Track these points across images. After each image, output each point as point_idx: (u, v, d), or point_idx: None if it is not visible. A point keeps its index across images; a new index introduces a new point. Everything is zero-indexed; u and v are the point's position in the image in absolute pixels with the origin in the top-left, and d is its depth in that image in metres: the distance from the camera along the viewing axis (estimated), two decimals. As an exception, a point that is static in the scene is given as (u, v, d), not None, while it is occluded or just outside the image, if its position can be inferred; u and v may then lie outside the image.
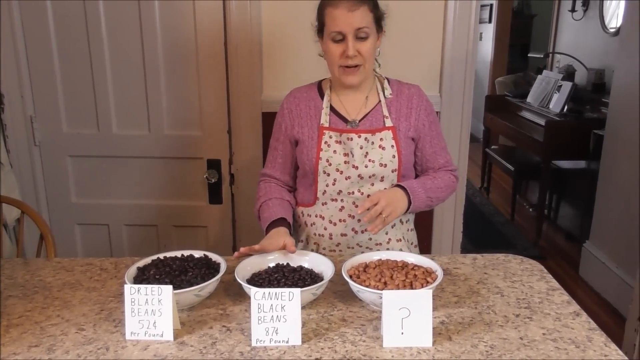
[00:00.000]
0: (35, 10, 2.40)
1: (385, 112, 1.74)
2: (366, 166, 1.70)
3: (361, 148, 1.70)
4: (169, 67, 2.45)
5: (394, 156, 1.70)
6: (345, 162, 1.71)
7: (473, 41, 2.43)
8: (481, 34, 7.67)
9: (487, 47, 7.57)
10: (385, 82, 1.79)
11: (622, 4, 4.40)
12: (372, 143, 1.70)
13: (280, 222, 1.70)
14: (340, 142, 1.71)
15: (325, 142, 1.71)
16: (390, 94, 1.77)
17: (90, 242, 2.69)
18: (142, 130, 2.53)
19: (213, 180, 2.52)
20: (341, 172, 1.71)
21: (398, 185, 1.70)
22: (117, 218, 2.64)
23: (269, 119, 2.43)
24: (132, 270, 1.46)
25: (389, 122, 1.73)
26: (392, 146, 1.70)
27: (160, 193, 2.60)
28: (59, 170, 2.60)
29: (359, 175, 1.70)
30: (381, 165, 1.70)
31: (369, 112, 1.75)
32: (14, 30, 2.42)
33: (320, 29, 1.70)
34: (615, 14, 4.89)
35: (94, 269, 1.66)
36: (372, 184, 1.72)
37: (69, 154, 2.58)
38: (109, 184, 2.60)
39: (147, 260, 1.52)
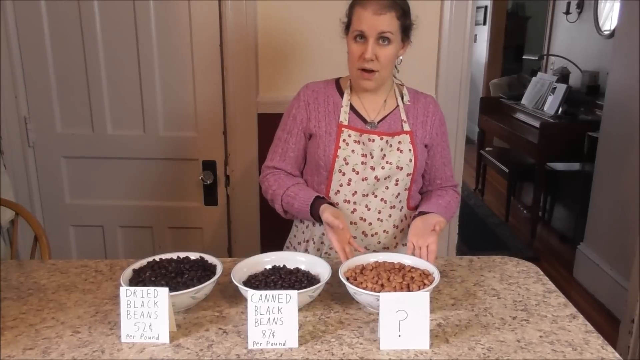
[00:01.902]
0: (29, 10, 2.38)
1: (404, 117, 1.75)
2: (383, 167, 1.70)
3: (381, 150, 1.70)
4: (164, 67, 2.44)
5: (410, 160, 1.71)
6: (362, 163, 1.70)
7: (469, 43, 2.43)
8: (475, 35, 7.67)
9: (481, 48, 7.60)
10: (404, 89, 1.81)
11: (617, 6, 4.42)
12: (391, 145, 1.71)
13: (324, 200, 1.68)
14: (359, 142, 1.71)
15: (344, 140, 1.70)
16: (408, 100, 1.78)
17: (84, 243, 2.68)
18: (137, 131, 2.52)
19: (208, 182, 2.51)
20: (357, 173, 1.70)
21: (420, 213, 1.71)
22: (111, 219, 2.63)
23: (265, 121, 2.43)
24: (127, 272, 1.45)
25: (407, 127, 1.74)
26: (410, 150, 1.72)
27: (156, 194, 2.59)
28: (53, 171, 2.58)
29: (375, 177, 1.70)
30: (398, 167, 1.70)
31: (387, 115, 1.75)
32: (8, 30, 2.40)
33: (347, 26, 1.69)
34: (609, 16, 4.92)
35: (89, 271, 1.65)
36: (387, 187, 1.72)
37: (63, 154, 2.56)
38: (104, 185, 2.59)
39: (143, 262, 1.51)
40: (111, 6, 2.37)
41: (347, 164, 1.70)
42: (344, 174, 1.71)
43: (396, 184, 1.73)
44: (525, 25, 7.68)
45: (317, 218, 1.65)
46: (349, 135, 1.71)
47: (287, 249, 1.91)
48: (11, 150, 2.50)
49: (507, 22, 7.37)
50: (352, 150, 1.70)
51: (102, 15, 2.39)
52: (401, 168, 1.71)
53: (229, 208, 2.58)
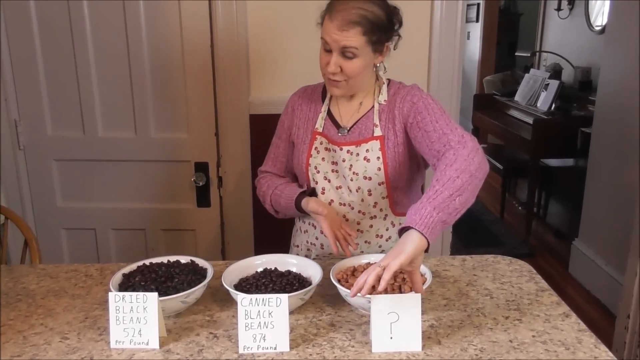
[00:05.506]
0: (18, 11, 2.36)
1: (376, 120, 1.63)
2: (351, 179, 1.63)
3: (344, 161, 1.64)
4: (155, 68, 2.42)
5: (379, 168, 1.61)
6: (333, 171, 1.67)
7: (460, 40, 2.42)
8: (469, 32, 7.69)
9: (474, 45, 7.60)
10: (384, 86, 1.66)
11: (607, 2, 4.42)
12: (357, 155, 1.62)
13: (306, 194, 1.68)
14: (329, 150, 1.67)
15: (315, 148, 1.68)
16: (384, 100, 1.65)
17: (76, 246, 2.66)
18: (128, 133, 2.50)
19: (201, 183, 2.50)
20: (329, 181, 1.67)
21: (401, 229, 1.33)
22: (103, 222, 2.61)
23: (256, 121, 2.42)
24: (117, 277, 1.44)
25: (378, 132, 1.62)
26: (378, 158, 1.61)
27: (148, 196, 2.57)
28: (44, 174, 2.56)
29: (347, 187, 1.65)
30: (365, 178, 1.62)
31: (359, 119, 1.65)
32: (-4, 32, 2.38)
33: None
34: (600, 12, 4.92)
35: (78, 276, 1.64)
36: (362, 200, 1.65)
37: (54, 157, 2.54)
38: (95, 188, 2.57)
39: (133, 266, 1.50)
40: (101, 7, 2.35)
41: (318, 172, 1.68)
42: (317, 183, 1.68)
43: (370, 194, 1.64)
44: (517, 22, 7.68)
45: (303, 212, 1.67)
46: (321, 143, 1.67)
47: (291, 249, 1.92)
48: (2, 154, 2.48)
49: (500, 19, 7.38)
50: (322, 158, 1.67)
51: (92, 16, 2.37)
52: (370, 178, 1.62)
53: (222, 209, 2.57)
